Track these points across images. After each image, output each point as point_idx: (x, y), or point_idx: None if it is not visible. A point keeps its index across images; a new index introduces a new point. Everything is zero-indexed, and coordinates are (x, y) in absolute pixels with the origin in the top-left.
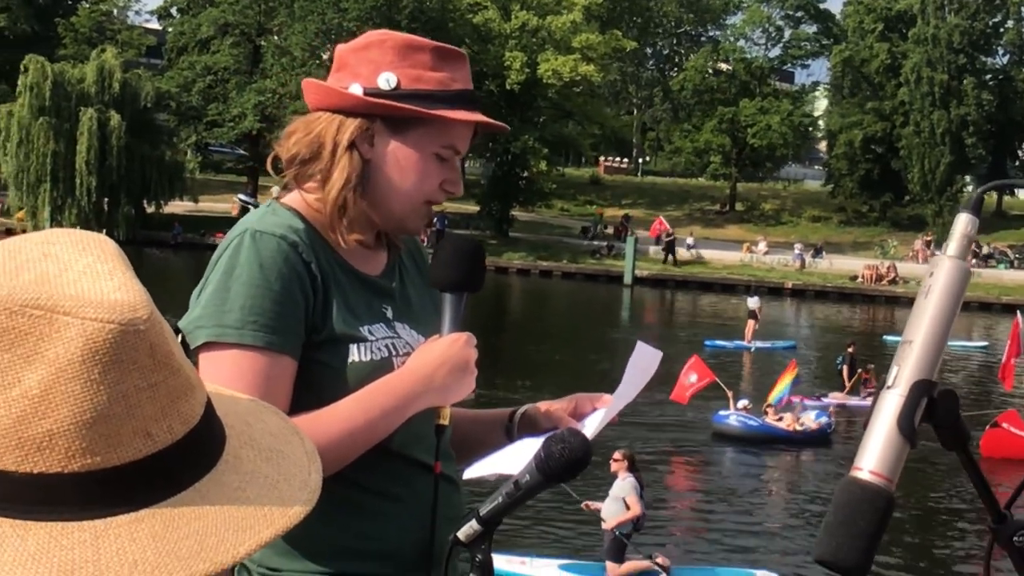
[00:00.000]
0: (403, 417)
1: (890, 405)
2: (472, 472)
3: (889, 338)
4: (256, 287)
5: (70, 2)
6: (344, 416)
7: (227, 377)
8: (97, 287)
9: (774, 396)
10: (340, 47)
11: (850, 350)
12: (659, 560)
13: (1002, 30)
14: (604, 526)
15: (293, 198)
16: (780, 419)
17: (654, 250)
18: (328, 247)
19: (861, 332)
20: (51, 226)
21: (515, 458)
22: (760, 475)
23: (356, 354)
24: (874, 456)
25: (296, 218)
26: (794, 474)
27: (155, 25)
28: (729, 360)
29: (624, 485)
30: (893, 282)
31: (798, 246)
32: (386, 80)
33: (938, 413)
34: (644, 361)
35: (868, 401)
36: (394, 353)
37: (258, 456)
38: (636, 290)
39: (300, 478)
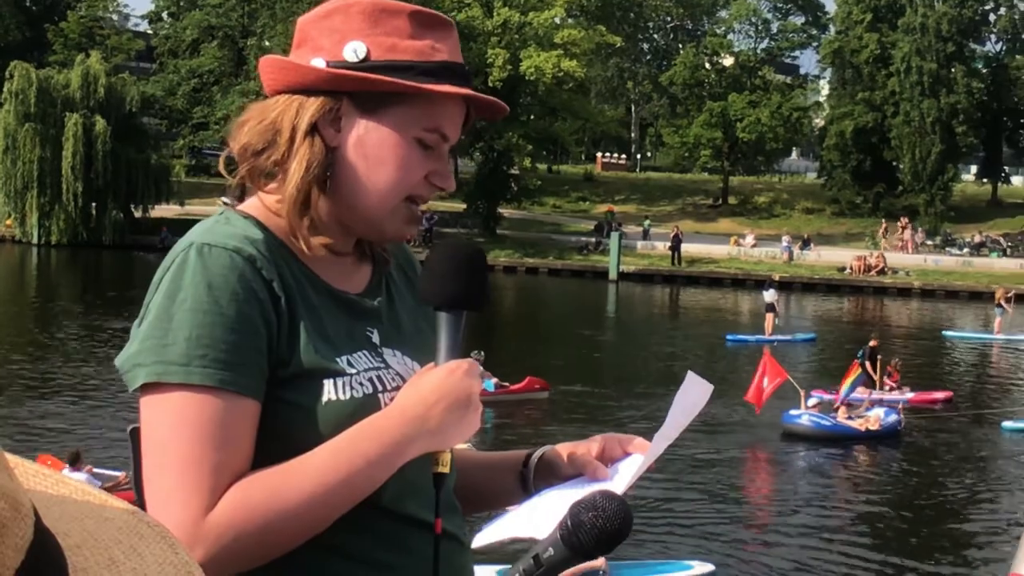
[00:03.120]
0: (393, 467)
1: None
2: (485, 537)
3: (949, 334)
4: (204, 313)
5: (63, 8)
6: (320, 469)
7: (172, 426)
8: None
9: (842, 396)
10: (301, 19)
11: (872, 344)
12: (597, 560)
13: (992, 17)
14: None
15: (251, 204)
16: (851, 418)
17: (641, 245)
18: (296, 260)
19: (873, 324)
20: (39, 233)
21: (537, 517)
22: (832, 474)
23: (332, 391)
24: None
25: (254, 227)
26: (865, 473)
27: (147, 29)
28: (753, 355)
29: None
30: (882, 272)
31: (785, 238)
32: (353, 51)
33: None
34: (693, 395)
35: (893, 395)
36: (380, 388)
37: None
38: (622, 286)
39: None
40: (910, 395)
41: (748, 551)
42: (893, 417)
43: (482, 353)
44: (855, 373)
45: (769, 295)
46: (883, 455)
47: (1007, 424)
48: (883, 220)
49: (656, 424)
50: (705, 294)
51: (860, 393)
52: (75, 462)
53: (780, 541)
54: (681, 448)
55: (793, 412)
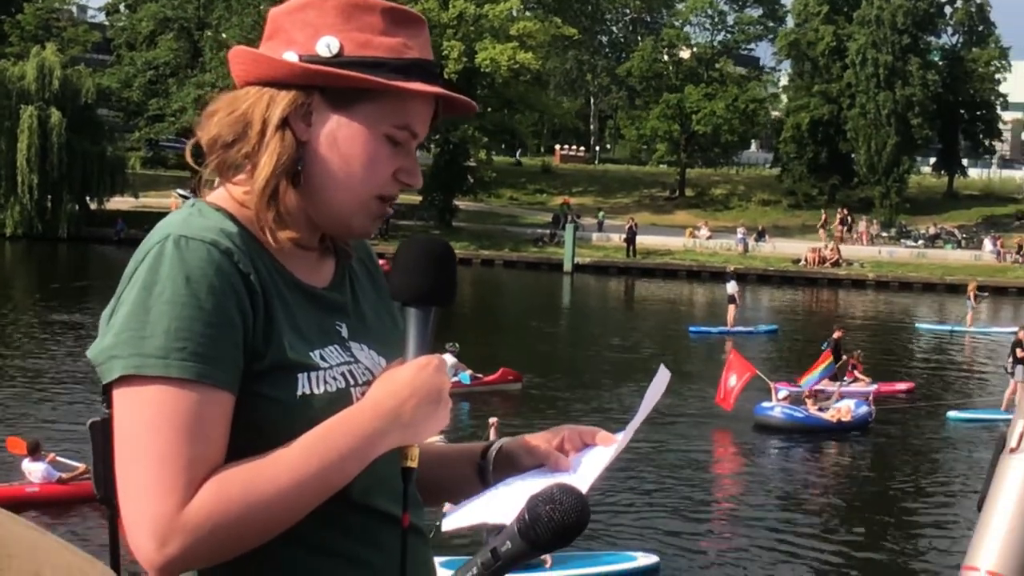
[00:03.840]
0: (365, 461)
1: (1016, 477)
2: (452, 522)
3: (922, 326)
4: (182, 306)
5: (20, 0)
6: (295, 462)
7: (149, 419)
8: None
9: (804, 381)
10: (273, 10)
11: (836, 335)
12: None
13: (948, 10)
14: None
15: (220, 196)
16: (823, 409)
17: (596, 237)
18: (268, 255)
19: (832, 316)
20: None
21: (501, 502)
22: (800, 466)
23: (307, 385)
24: (995, 550)
25: (227, 220)
26: (832, 463)
27: (104, 21)
28: (717, 346)
29: None
30: (836, 264)
31: (741, 230)
32: (326, 45)
33: None
34: (658, 385)
35: (853, 387)
36: (352, 382)
37: None
38: (577, 277)
39: None
40: (873, 386)
41: (702, 543)
42: (864, 408)
43: (456, 345)
44: (825, 362)
45: (731, 287)
46: (852, 446)
47: (952, 414)
48: (823, 212)
49: (618, 414)
50: (660, 286)
51: (827, 385)
52: (35, 451)
53: (735, 532)
54: (651, 441)
55: (765, 404)
